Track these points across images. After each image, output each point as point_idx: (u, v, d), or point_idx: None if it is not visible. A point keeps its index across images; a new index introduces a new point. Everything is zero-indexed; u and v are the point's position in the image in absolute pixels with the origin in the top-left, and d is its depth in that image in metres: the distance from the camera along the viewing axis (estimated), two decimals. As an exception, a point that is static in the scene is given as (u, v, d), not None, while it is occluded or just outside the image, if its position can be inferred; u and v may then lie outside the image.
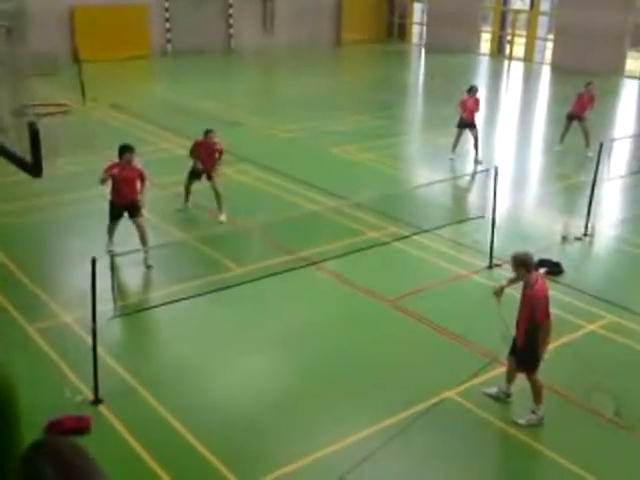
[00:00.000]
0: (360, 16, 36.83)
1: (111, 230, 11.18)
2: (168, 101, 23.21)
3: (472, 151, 16.81)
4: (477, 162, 16.64)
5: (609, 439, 7.46)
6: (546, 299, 7.33)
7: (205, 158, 12.89)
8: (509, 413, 7.75)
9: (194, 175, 13.10)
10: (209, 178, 12.99)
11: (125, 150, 11.03)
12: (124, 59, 29.13)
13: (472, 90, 16.85)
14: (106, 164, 11.29)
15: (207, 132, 12.92)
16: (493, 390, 7.97)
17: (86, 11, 29.01)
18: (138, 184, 11.07)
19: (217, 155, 12.94)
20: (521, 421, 7.51)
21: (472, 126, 16.69)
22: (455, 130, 16.81)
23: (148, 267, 10.85)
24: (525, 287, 7.42)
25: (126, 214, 11.03)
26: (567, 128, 17.64)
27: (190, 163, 13.08)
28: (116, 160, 11.10)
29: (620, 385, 8.34)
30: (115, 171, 10.90)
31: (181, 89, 24.93)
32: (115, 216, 11.11)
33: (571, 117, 17.60)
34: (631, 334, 9.40)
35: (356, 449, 7.09)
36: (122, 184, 10.93)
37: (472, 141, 16.80)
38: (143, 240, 10.86)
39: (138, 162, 11.34)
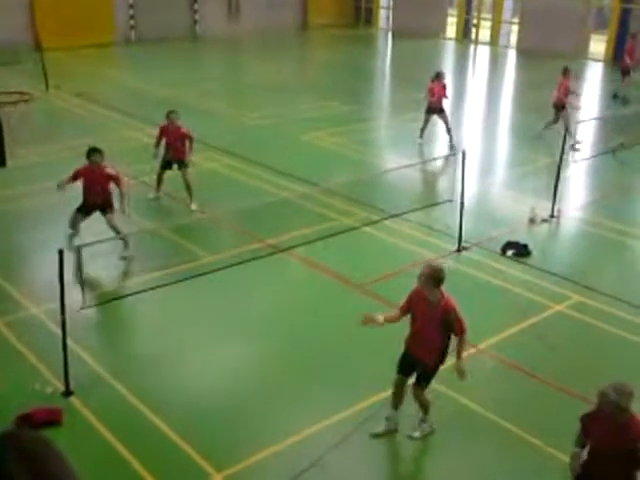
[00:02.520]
0: (326, 1, 36.68)
1: (75, 223, 11.03)
2: (133, 89, 22.95)
3: (446, 137, 16.84)
4: (452, 147, 16.56)
5: (571, 412, 7.58)
6: (457, 310, 6.75)
7: (172, 143, 12.69)
8: (480, 394, 7.84)
9: (165, 164, 12.93)
10: (180, 167, 12.79)
11: (91, 152, 10.83)
12: (87, 46, 28.69)
13: (439, 76, 16.84)
14: (69, 153, 11.14)
15: (169, 114, 12.76)
16: (381, 428, 7.22)
17: (47, -2, 28.50)
18: (110, 185, 10.91)
19: (187, 142, 12.74)
20: (416, 434, 7.19)
21: (441, 111, 16.74)
22: (423, 116, 16.85)
23: (124, 258, 10.77)
24: (431, 304, 6.68)
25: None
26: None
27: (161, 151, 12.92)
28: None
29: (587, 363, 8.50)
30: (79, 179, 10.85)
31: (146, 76, 24.65)
32: (83, 212, 10.99)
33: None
34: (597, 314, 9.56)
35: (329, 433, 7.14)
36: (91, 187, 10.81)
37: (443, 127, 16.85)
38: (117, 232, 10.67)
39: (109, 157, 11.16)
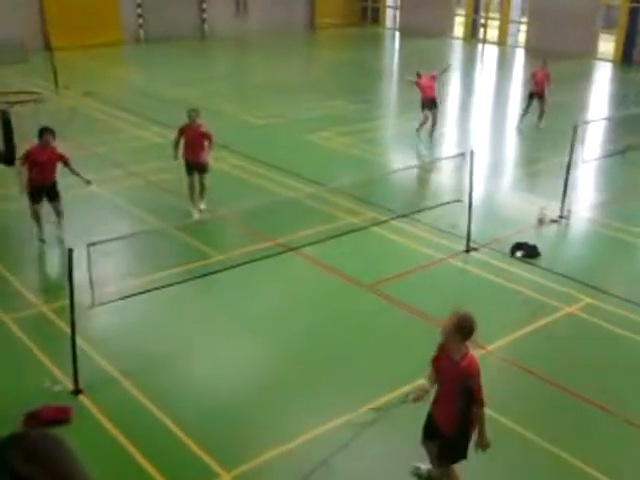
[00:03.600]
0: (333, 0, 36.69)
1: (37, 215, 11.30)
2: (141, 88, 22.99)
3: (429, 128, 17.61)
4: (431, 137, 17.63)
5: (585, 417, 7.55)
6: (480, 376, 5.75)
7: (192, 144, 12.34)
8: (490, 396, 7.80)
9: (188, 169, 12.58)
10: (200, 171, 12.50)
11: (44, 132, 11.04)
12: (96, 46, 28.76)
13: (419, 74, 17.63)
14: (79, 152, 11.18)
15: (190, 112, 12.38)
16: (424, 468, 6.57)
17: (56, -3, 28.57)
18: (58, 166, 11.23)
19: (205, 142, 12.37)
20: (423, 467, 6.58)
21: (433, 104, 17.42)
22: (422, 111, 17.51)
23: (41, 241, 11.26)
24: (452, 362, 5.74)
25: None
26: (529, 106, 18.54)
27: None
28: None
29: (598, 365, 8.46)
30: (32, 157, 11.01)
31: (154, 76, 24.70)
32: (36, 199, 11.23)
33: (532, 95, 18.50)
34: (608, 316, 9.51)
35: (338, 433, 7.12)
36: (42, 167, 11.02)
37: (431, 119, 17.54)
38: (60, 217, 11.34)
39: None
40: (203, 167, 12.51)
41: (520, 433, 7.20)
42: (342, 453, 6.87)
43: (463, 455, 5.97)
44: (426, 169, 15.43)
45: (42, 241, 11.18)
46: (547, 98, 18.20)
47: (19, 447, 1.78)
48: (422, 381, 6.17)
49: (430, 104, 17.28)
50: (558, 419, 7.54)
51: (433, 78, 17.49)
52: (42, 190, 11.13)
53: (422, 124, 17.45)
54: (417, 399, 5.97)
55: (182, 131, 12.43)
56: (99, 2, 29.62)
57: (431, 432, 6.15)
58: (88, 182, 11.39)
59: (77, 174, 11.31)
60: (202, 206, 12.64)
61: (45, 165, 10.99)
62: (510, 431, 7.25)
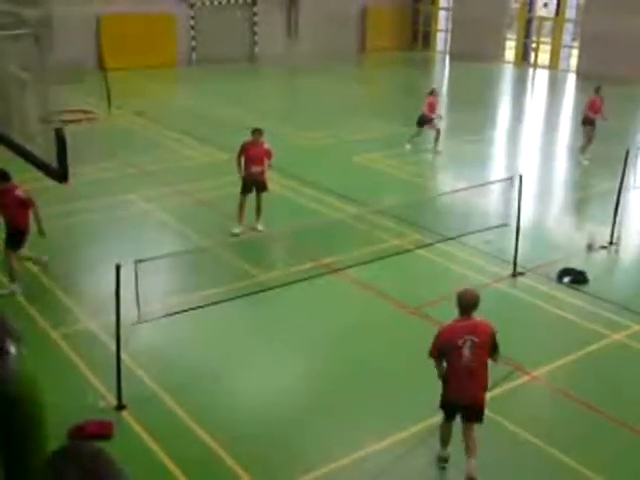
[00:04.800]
0: (385, 23, 36.84)
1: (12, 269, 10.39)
2: (192, 109, 23.36)
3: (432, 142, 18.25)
4: (437, 151, 18.26)
5: (633, 448, 7.36)
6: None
7: (254, 161, 12.44)
8: (534, 422, 7.68)
9: (245, 189, 12.56)
10: (260, 190, 12.54)
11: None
12: (149, 67, 29.36)
13: (433, 92, 18.66)
14: (131, 171, 11.35)
15: (254, 131, 12.49)
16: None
17: (113, 20, 29.29)
18: (21, 211, 10.19)
19: (267, 160, 12.53)
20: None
21: (430, 122, 18.14)
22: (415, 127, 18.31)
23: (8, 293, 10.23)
24: (480, 328, 6.63)
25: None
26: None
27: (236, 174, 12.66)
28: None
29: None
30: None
31: (205, 97, 25.08)
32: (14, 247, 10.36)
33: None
34: (657, 344, 9.29)
35: (379, 457, 7.07)
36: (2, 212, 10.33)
37: (434, 134, 18.23)
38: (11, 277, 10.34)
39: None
40: (263, 185, 12.61)
41: (559, 458, 7.04)
42: (382, 478, 6.81)
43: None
44: (473, 192, 15.30)
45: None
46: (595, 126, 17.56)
47: (73, 460, 1.81)
48: None
49: (429, 121, 18.21)
50: (602, 447, 7.36)
51: (437, 101, 18.64)
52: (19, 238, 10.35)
53: (415, 136, 18.38)
54: None
55: (244, 148, 12.52)
56: (154, 25, 30.25)
57: (453, 412, 6.87)
58: (42, 233, 10.42)
59: (39, 220, 10.34)
60: (260, 227, 12.65)
61: (4, 211, 10.28)
62: (555, 460, 7.09)
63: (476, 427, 7.31)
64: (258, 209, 12.69)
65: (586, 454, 7.17)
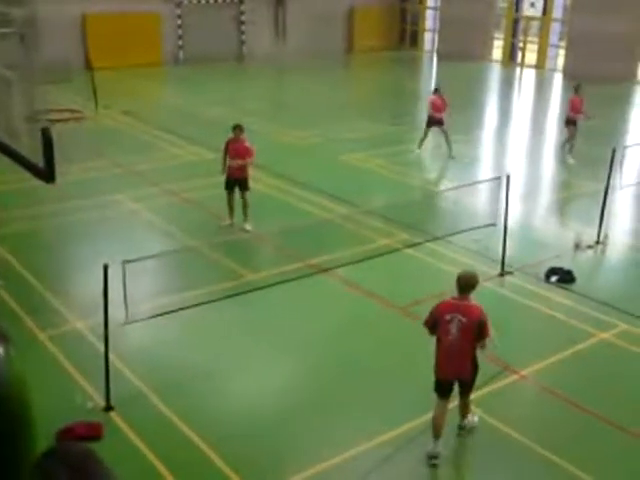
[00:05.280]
0: (372, 23, 36.87)
1: None
2: (180, 108, 23.30)
3: (445, 147, 17.64)
4: (451, 158, 17.53)
5: (621, 447, 7.40)
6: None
7: (232, 157, 12.53)
8: (522, 421, 7.70)
9: (227, 185, 12.72)
10: (242, 188, 12.63)
11: None
12: (136, 66, 29.25)
13: (437, 90, 17.94)
14: (118, 170, 11.31)
15: (234, 127, 12.61)
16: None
17: (98, 19, 29.14)
18: None
19: (248, 158, 12.54)
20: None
21: (440, 124, 17.51)
22: (424, 128, 17.86)
23: None
24: (469, 309, 6.91)
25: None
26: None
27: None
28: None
29: (632, 394, 8.30)
30: None
31: (193, 96, 25.02)
32: None
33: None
34: (644, 343, 9.35)
35: (367, 458, 7.07)
36: None
37: (443, 137, 17.64)
38: None
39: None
40: (244, 182, 12.64)
41: (549, 458, 7.07)
42: (371, 477, 6.81)
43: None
44: (461, 192, 15.34)
45: None
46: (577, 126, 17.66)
47: (62, 460, 1.80)
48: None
49: (438, 122, 17.58)
50: (591, 446, 7.40)
51: (444, 100, 17.74)
52: None
53: (422, 140, 17.94)
54: None
55: (227, 145, 12.65)
56: (140, 24, 30.13)
57: (446, 389, 7.08)
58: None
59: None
60: (248, 227, 12.64)
61: None
62: (543, 459, 7.12)
63: (468, 427, 7.35)
64: (244, 208, 12.68)
65: (575, 453, 7.19)
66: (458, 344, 6.80)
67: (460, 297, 6.99)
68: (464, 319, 6.79)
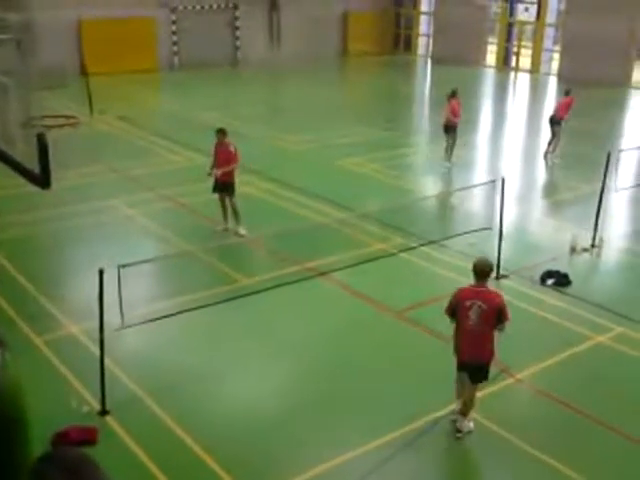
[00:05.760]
0: (366, 28, 36.94)
1: None
2: (175, 113, 23.31)
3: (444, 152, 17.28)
4: (449, 165, 17.16)
5: (616, 450, 7.41)
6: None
7: (217, 162, 12.53)
8: (519, 424, 7.71)
9: (215, 189, 12.71)
10: (228, 193, 12.61)
11: None
12: (131, 72, 29.26)
13: (455, 94, 17.14)
14: (113, 176, 11.32)
15: (218, 131, 12.60)
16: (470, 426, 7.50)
17: (94, 24, 29.16)
18: None
19: (232, 163, 12.44)
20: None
21: (454, 129, 17.03)
22: (444, 136, 17.26)
23: None
24: (488, 296, 7.19)
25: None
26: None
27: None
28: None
29: (628, 396, 8.31)
30: None
31: (188, 101, 25.03)
32: None
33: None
34: (638, 345, 9.36)
35: (363, 461, 7.06)
36: None
37: (450, 143, 17.20)
38: None
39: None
40: (230, 187, 12.60)
41: (544, 460, 7.08)
42: (367, 480, 6.81)
43: None
44: (456, 196, 15.38)
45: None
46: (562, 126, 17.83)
47: (58, 465, 1.80)
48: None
49: (453, 127, 17.07)
50: (586, 448, 7.41)
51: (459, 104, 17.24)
52: None
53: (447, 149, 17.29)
54: None
55: (214, 150, 12.68)
56: (136, 29, 30.15)
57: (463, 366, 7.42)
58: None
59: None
60: (242, 231, 12.60)
61: None
62: (535, 458, 7.13)
63: (465, 431, 7.36)
64: (234, 212, 12.68)
65: (570, 455, 7.20)
66: (478, 329, 7.05)
67: (478, 284, 7.19)
68: (484, 305, 7.02)
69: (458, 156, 17.51)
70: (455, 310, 7.20)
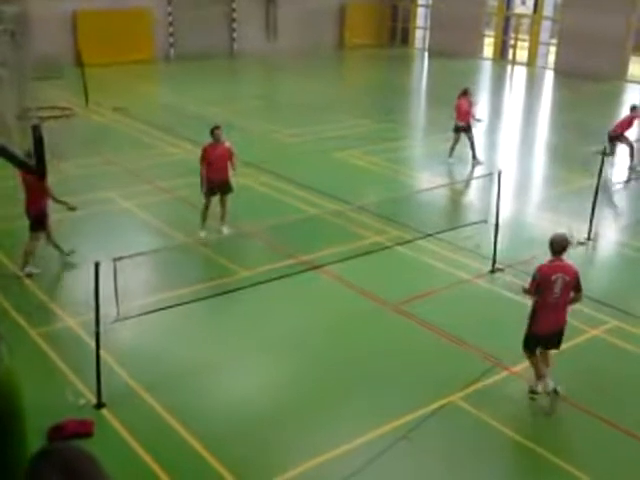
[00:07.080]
0: (363, 20, 36.88)
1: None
2: (171, 105, 23.24)
3: (469, 152, 16.88)
4: (476, 161, 16.79)
5: (611, 443, 7.44)
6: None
7: (217, 164, 11.97)
8: (513, 417, 7.73)
9: (209, 192, 12.16)
10: (225, 192, 12.18)
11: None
12: (127, 63, 29.16)
13: (466, 93, 16.78)
14: (109, 167, 11.28)
15: (213, 129, 12.01)
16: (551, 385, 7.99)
17: (89, 15, 29.04)
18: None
19: (230, 163, 12.02)
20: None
21: (469, 129, 16.67)
22: (453, 134, 16.89)
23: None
24: (568, 268, 7.71)
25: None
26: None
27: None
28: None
29: (623, 389, 8.34)
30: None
31: (184, 93, 24.95)
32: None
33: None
34: (634, 339, 9.39)
35: (359, 454, 7.08)
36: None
37: (467, 143, 16.79)
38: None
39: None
40: (228, 186, 12.24)
41: (539, 452, 7.11)
42: (360, 474, 6.82)
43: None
44: (453, 189, 15.38)
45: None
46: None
47: (54, 462, 1.80)
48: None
49: (467, 128, 16.69)
50: (581, 442, 7.46)
51: (471, 103, 16.85)
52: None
53: (452, 148, 16.95)
54: None
55: (205, 152, 12.05)
56: (131, 20, 30.04)
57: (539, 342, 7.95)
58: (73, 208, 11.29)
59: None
60: (225, 230, 12.34)
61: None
62: (529, 451, 7.16)
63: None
64: (224, 211, 12.33)
65: (565, 448, 7.24)
66: (560, 300, 7.64)
67: (556, 259, 7.74)
68: (567, 277, 7.60)
69: (455, 149, 17.47)
70: (540, 287, 7.61)
